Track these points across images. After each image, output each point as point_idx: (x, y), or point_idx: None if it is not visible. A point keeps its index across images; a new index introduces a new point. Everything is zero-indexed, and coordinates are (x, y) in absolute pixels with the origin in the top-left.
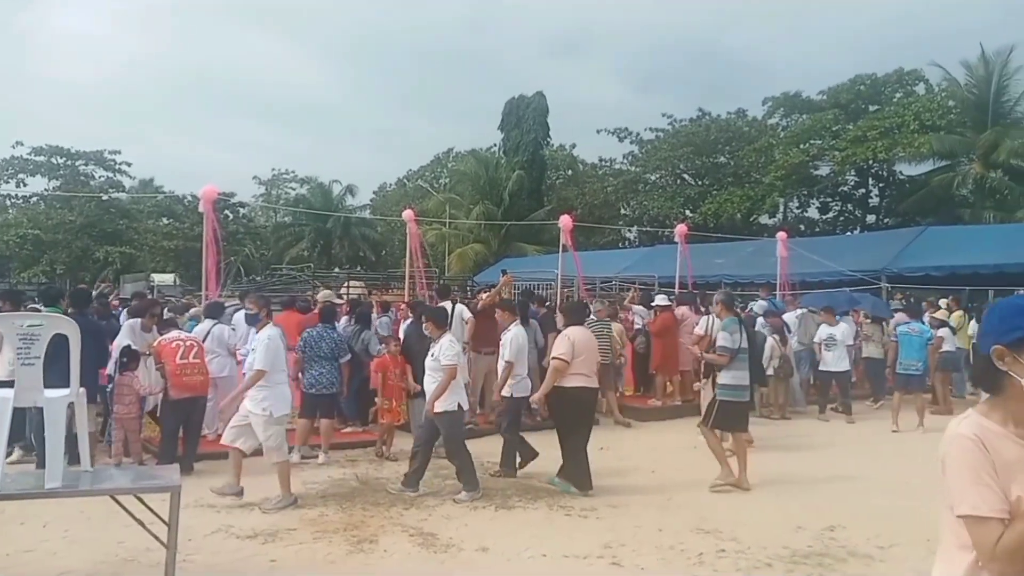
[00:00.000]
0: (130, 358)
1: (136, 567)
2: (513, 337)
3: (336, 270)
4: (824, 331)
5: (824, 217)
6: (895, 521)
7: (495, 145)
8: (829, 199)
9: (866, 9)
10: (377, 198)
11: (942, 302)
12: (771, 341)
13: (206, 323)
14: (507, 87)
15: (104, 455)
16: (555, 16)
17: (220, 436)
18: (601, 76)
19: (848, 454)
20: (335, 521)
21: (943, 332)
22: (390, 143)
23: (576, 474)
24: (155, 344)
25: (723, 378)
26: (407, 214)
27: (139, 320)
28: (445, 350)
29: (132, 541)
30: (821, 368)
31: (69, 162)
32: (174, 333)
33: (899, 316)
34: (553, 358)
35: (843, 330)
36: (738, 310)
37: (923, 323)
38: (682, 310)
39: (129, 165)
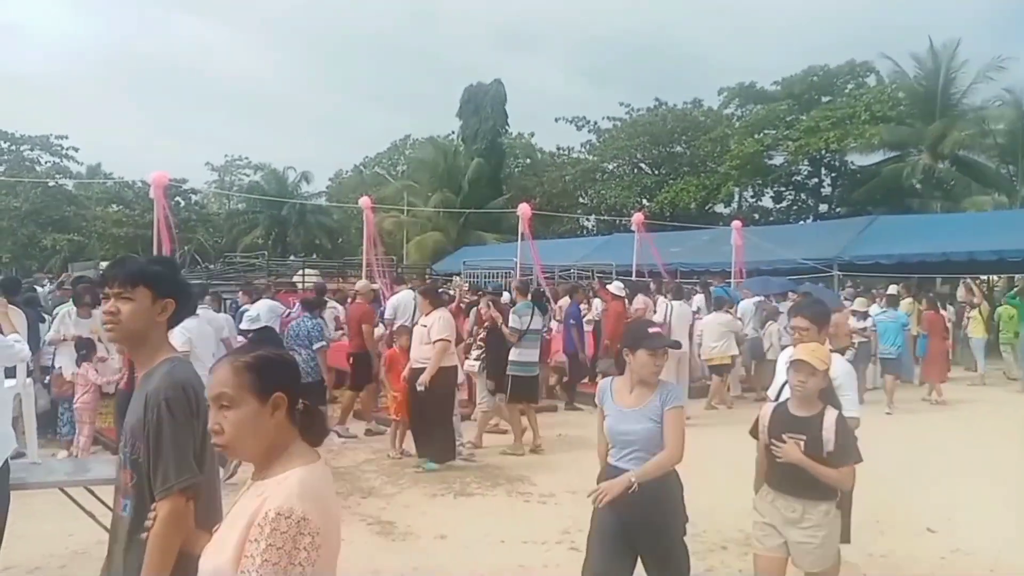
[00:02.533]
0: (88, 349)
1: (86, 560)
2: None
3: (291, 258)
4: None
5: (778, 206)
6: None
7: (453, 132)
8: (783, 188)
9: (817, 1)
10: (333, 185)
11: (892, 288)
12: (776, 326)
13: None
14: (464, 76)
15: (53, 446)
16: (506, 7)
17: None
18: (556, 66)
19: None
20: None
21: (869, 323)
22: (346, 130)
23: (446, 449)
24: None
25: (513, 355)
26: (364, 201)
27: (73, 308)
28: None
29: (82, 534)
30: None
31: (13, 147)
32: None
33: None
34: (438, 340)
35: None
36: (536, 294)
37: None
38: (640, 299)
39: (76, 151)
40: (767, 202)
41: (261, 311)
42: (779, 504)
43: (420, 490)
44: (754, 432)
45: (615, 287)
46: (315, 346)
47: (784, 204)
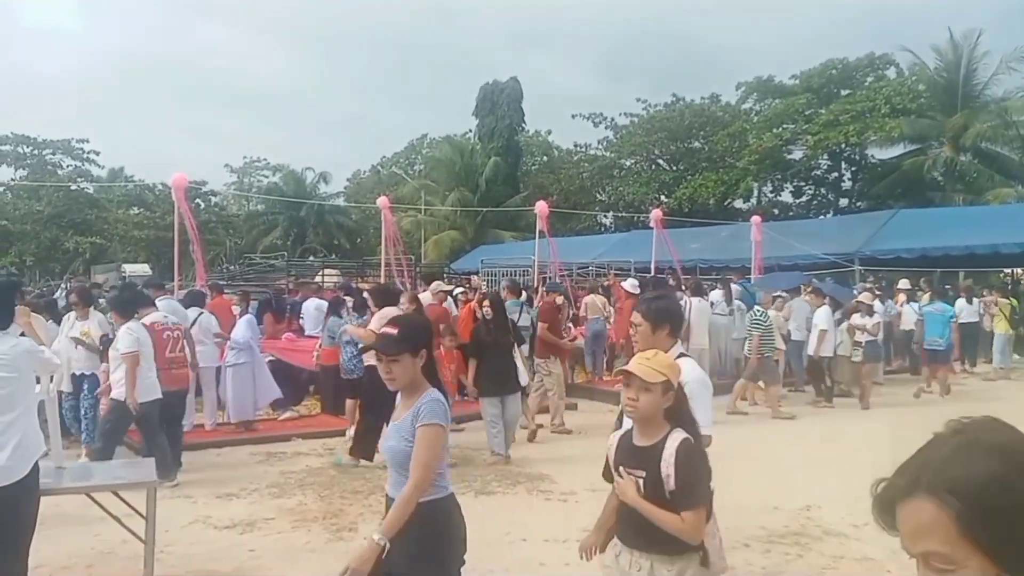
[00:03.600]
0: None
1: (113, 559)
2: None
3: (311, 258)
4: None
5: (797, 201)
6: (869, 500)
7: (470, 131)
8: (802, 183)
9: None
10: (351, 185)
11: (903, 282)
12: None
13: (191, 312)
14: (480, 75)
15: (75, 446)
16: (523, 4)
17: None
18: (573, 64)
19: (823, 434)
20: (314, 510)
21: (877, 319)
22: (363, 130)
23: (366, 447)
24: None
25: None
26: (382, 201)
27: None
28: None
29: (108, 534)
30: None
31: (36, 151)
32: (157, 316)
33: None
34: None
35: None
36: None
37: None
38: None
39: (97, 154)
40: (786, 197)
41: (308, 310)
42: (623, 560)
43: None
44: (607, 473)
45: (629, 284)
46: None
47: (804, 199)
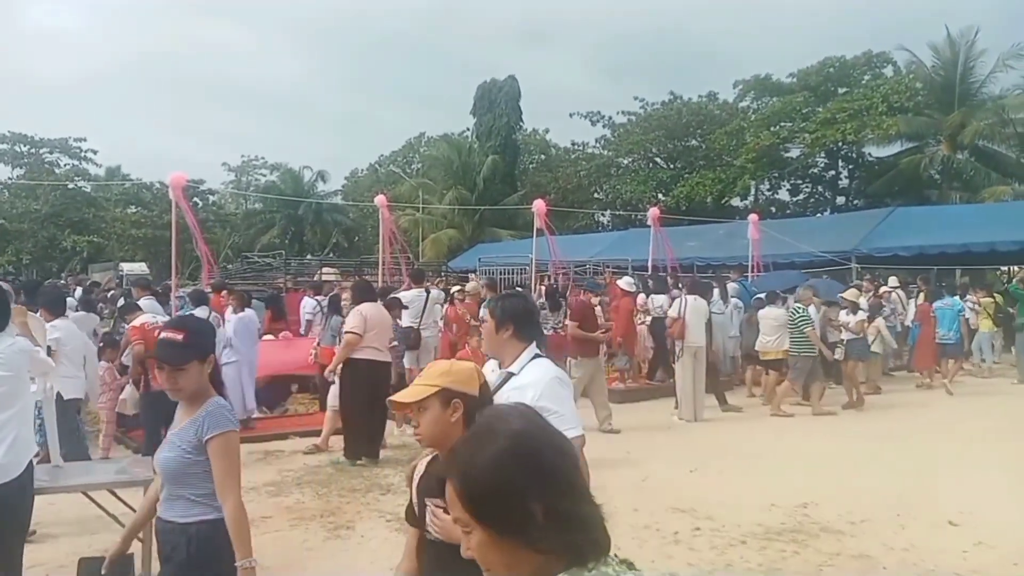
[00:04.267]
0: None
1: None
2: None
3: (308, 257)
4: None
5: (795, 199)
6: (865, 496)
7: (467, 130)
8: (800, 181)
9: None
10: (349, 184)
11: (892, 280)
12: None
13: (199, 311)
14: (477, 73)
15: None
16: (521, 3)
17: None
18: (571, 62)
19: (820, 432)
20: (312, 508)
21: (860, 316)
22: (361, 129)
23: (357, 446)
24: (133, 326)
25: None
26: (380, 200)
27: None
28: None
29: (105, 533)
30: None
31: (33, 150)
32: (146, 318)
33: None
34: (345, 332)
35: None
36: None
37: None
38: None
39: (95, 153)
40: (784, 195)
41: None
42: None
43: None
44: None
45: (624, 282)
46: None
47: (801, 197)
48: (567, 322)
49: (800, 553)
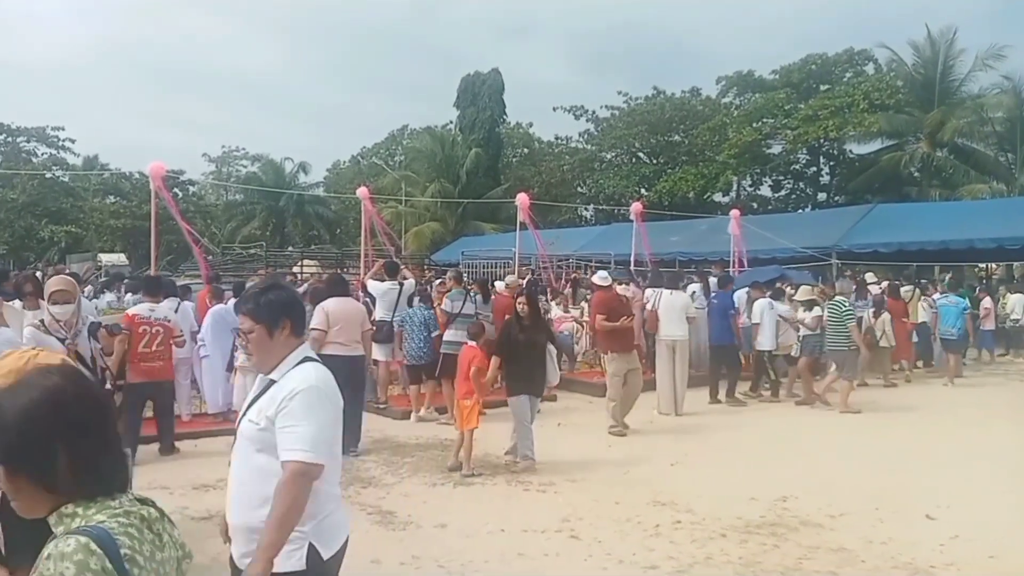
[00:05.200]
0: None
1: None
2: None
3: (290, 249)
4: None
5: (776, 195)
6: (845, 490)
7: (451, 122)
8: (781, 177)
9: None
10: (331, 176)
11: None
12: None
13: (171, 301)
14: (461, 66)
15: None
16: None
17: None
18: (555, 56)
19: (801, 426)
20: None
21: (816, 312)
22: (343, 121)
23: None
24: (126, 315)
25: (447, 336)
26: (362, 192)
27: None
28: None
29: None
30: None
31: (10, 139)
32: (141, 309)
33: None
34: (310, 330)
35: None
36: (467, 285)
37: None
38: (631, 289)
39: (73, 142)
40: (766, 191)
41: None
42: None
43: (420, 479)
44: None
45: (599, 277)
46: (433, 333)
47: (783, 193)
48: (596, 315)
49: (779, 547)
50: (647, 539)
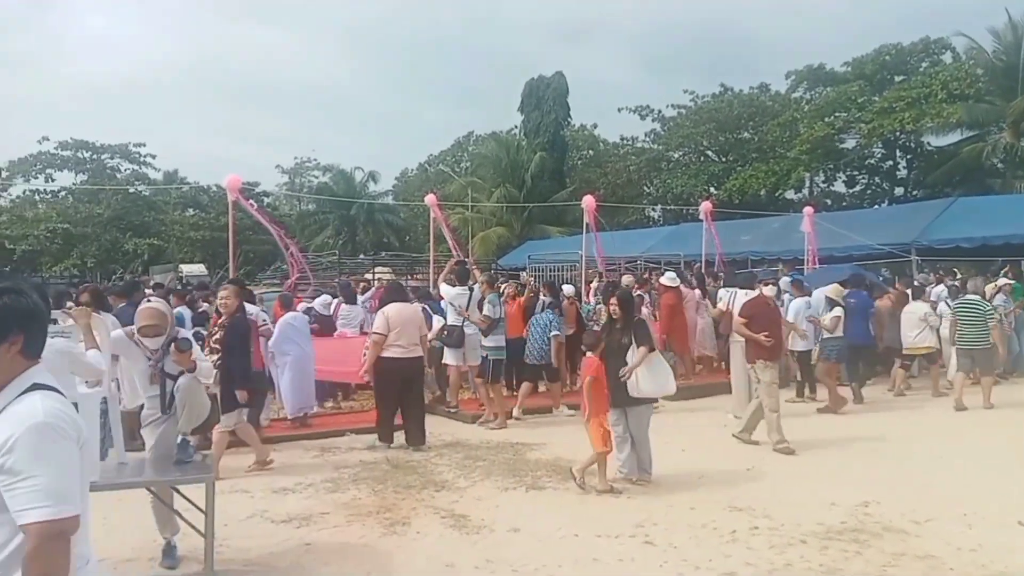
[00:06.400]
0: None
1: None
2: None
3: (361, 256)
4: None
5: (851, 191)
6: (930, 495)
7: (515, 127)
8: (856, 172)
9: None
10: (399, 184)
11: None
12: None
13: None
14: (525, 70)
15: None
16: (564, 3)
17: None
18: (619, 57)
19: (880, 429)
20: (368, 504)
21: (836, 313)
22: (410, 129)
23: (382, 430)
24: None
25: (487, 341)
26: (430, 199)
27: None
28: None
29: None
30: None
31: (95, 156)
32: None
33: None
34: (371, 334)
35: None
36: (499, 287)
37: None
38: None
39: (154, 157)
40: (839, 187)
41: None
42: None
43: (492, 483)
44: None
45: (667, 278)
46: (552, 334)
47: (857, 188)
48: (738, 319)
49: (862, 553)
50: (723, 545)
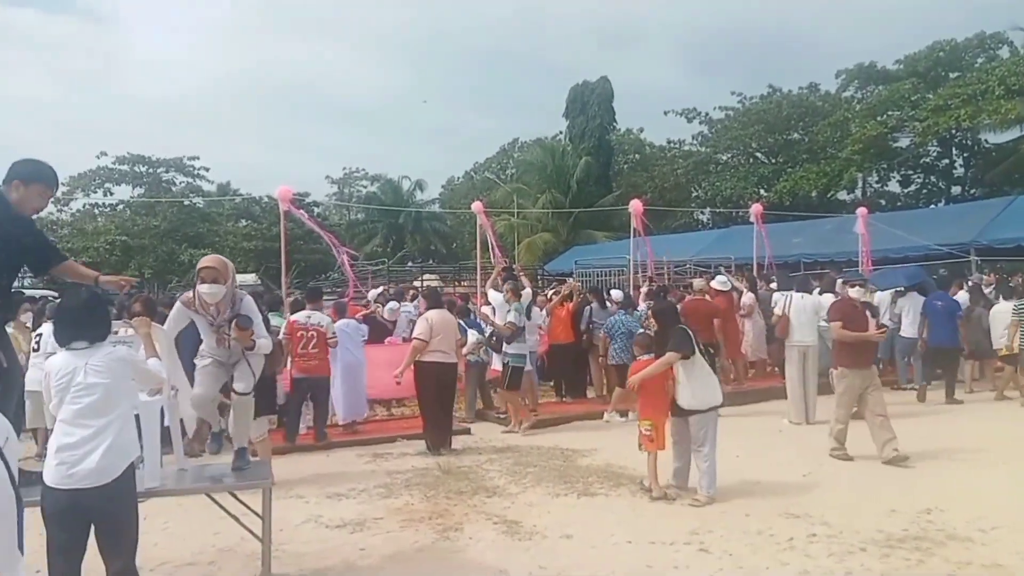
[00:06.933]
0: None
1: (232, 556)
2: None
3: (409, 264)
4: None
5: (906, 191)
6: (997, 502)
7: (560, 133)
8: (911, 171)
9: None
10: (446, 192)
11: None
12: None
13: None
14: (569, 76)
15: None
16: (609, 5)
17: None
18: (664, 60)
19: (940, 433)
20: (420, 510)
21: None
22: (456, 138)
23: (431, 436)
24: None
25: (510, 348)
26: (476, 206)
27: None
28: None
29: (228, 532)
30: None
31: (151, 170)
32: (299, 316)
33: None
34: (413, 338)
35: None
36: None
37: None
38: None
39: (207, 170)
40: (894, 187)
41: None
42: None
43: (543, 489)
44: None
45: (718, 282)
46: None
47: (912, 188)
48: (830, 323)
49: (925, 562)
50: (780, 552)
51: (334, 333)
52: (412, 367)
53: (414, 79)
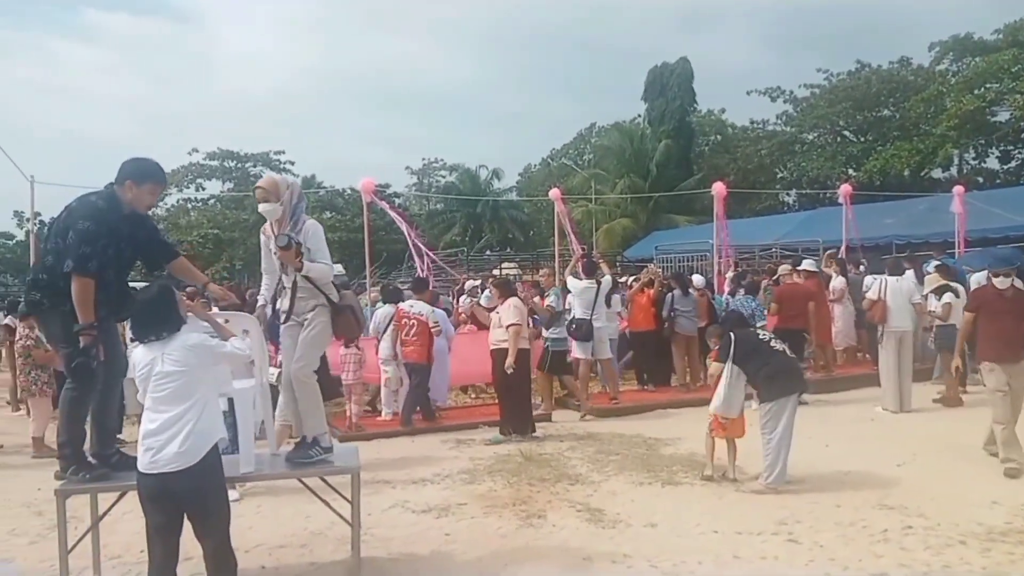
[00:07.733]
0: None
1: (323, 540)
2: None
3: (487, 253)
4: None
5: (1005, 167)
6: None
7: (639, 116)
8: (1011, 147)
9: None
10: (523, 180)
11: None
12: None
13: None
14: (647, 59)
15: None
16: None
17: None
18: (745, 39)
19: None
20: (504, 496)
21: (947, 299)
22: (533, 124)
23: (521, 423)
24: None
25: (550, 333)
26: (554, 193)
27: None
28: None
29: (318, 516)
30: None
31: (239, 164)
32: (404, 305)
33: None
34: (512, 324)
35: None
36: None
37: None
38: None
39: (292, 164)
40: (992, 163)
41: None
42: None
43: (626, 478)
44: None
45: (808, 264)
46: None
47: (1013, 165)
48: (966, 314)
49: None
50: (874, 545)
51: (436, 322)
52: (491, 354)
53: (488, 66)
